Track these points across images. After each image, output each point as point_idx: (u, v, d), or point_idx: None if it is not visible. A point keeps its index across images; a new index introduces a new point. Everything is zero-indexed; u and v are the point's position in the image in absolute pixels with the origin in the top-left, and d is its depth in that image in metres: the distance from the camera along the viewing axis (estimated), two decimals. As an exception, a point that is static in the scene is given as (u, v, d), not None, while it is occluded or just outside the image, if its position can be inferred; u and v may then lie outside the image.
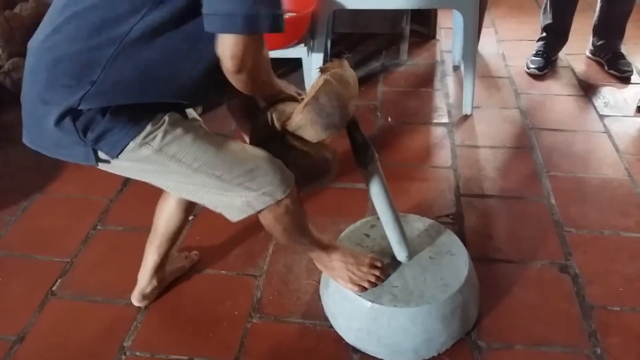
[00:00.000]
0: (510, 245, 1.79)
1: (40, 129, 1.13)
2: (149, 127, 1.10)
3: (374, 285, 1.45)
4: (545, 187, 2.05)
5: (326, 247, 1.47)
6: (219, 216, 1.92)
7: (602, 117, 2.48)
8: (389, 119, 2.52)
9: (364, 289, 1.44)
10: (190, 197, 1.28)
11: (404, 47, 3.09)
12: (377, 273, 1.46)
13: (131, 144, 1.10)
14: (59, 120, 1.07)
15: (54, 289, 1.71)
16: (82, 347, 1.53)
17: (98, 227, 1.95)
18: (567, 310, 1.56)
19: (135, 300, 1.63)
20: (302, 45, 2.47)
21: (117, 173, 1.27)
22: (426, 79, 2.87)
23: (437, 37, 3.29)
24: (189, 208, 1.54)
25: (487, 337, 1.50)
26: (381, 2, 2.34)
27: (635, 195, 1.99)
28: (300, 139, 1.26)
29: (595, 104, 2.57)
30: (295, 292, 1.66)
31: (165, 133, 1.11)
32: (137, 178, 1.26)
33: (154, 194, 1.58)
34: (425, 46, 3.20)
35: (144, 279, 1.61)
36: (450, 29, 3.15)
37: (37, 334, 1.57)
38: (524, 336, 1.50)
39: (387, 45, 3.16)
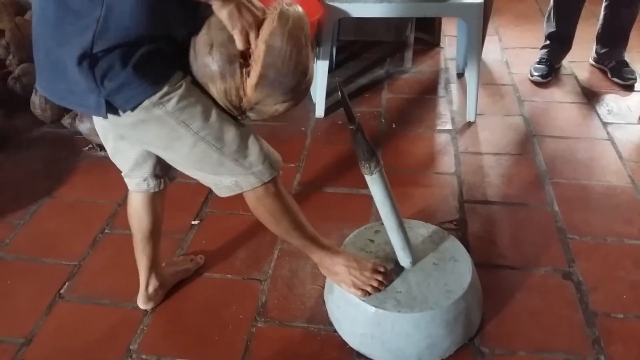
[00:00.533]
0: (514, 252, 1.81)
1: (55, 73, 1.11)
2: (165, 88, 1.10)
3: (377, 290, 1.46)
4: (548, 194, 2.06)
5: (327, 249, 1.48)
6: (225, 220, 1.97)
7: (605, 124, 2.49)
8: (393, 126, 2.54)
9: (367, 293, 1.46)
10: (183, 169, 1.31)
11: (409, 54, 3.12)
12: (380, 278, 1.47)
13: (146, 102, 1.10)
14: (79, 63, 1.05)
15: (61, 292, 1.73)
16: (88, 350, 1.55)
17: (106, 230, 1.97)
18: (571, 317, 1.57)
19: (141, 303, 1.65)
20: (308, 52, 2.49)
21: (117, 131, 1.28)
22: (430, 86, 2.89)
23: (442, 44, 3.31)
24: (156, 204, 1.53)
25: (490, 343, 1.51)
26: (386, 10, 2.36)
27: (638, 202, 2.00)
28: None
29: (599, 112, 2.58)
30: (300, 297, 1.67)
31: (181, 98, 1.12)
32: (135, 140, 1.27)
33: (166, 194, 1.60)
34: (429, 54, 3.23)
35: (143, 281, 1.63)
36: (454, 37, 3.17)
37: (44, 336, 1.59)
38: (526, 342, 1.51)
39: (391, 53, 3.18)
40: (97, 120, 1.35)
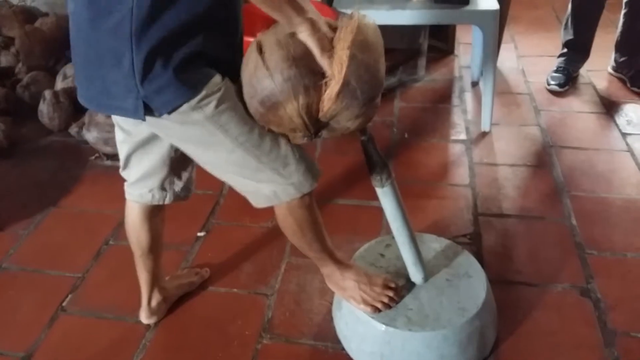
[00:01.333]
0: (530, 267, 1.74)
1: (92, 74, 1.11)
2: (204, 92, 1.08)
3: (387, 306, 1.41)
4: (566, 207, 1.99)
5: (339, 264, 1.44)
6: (231, 233, 1.93)
7: (624, 135, 2.41)
8: (406, 135, 2.49)
9: (377, 310, 1.40)
10: (220, 176, 1.28)
11: (422, 62, 3.06)
12: (391, 294, 1.42)
13: (185, 106, 1.08)
14: (118, 62, 1.04)
15: (64, 304, 1.69)
16: (90, 365, 1.51)
17: (110, 242, 1.94)
18: (589, 337, 1.50)
19: (143, 317, 1.61)
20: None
21: (156, 132, 1.25)
22: (444, 95, 2.83)
23: (456, 52, 3.25)
24: (154, 219, 1.49)
25: (505, 364, 1.45)
26: (399, 17, 2.31)
27: (660, 216, 1.93)
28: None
29: (618, 122, 2.51)
30: (307, 313, 1.62)
31: (220, 102, 1.10)
32: (174, 142, 1.25)
33: (168, 209, 1.57)
34: (443, 61, 3.17)
35: (145, 295, 1.60)
36: (469, 45, 3.12)
37: (45, 350, 1.55)
38: (543, 363, 1.44)
39: (404, 61, 3.13)
40: (118, 123, 1.32)
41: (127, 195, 1.46)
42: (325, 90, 1.08)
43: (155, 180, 1.40)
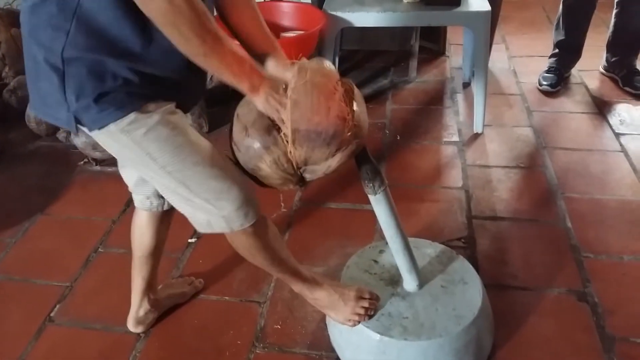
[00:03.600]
0: (525, 272, 1.72)
1: (31, 83, 1.11)
2: (132, 115, 1.05)
3: (364, 317, 1.39)
4: (560, 210, 1.97)
5: (307, 282, 1.41)
6: (222, 240, 1.87)
7: (618, 135, 2.41)
8: (398, 138, 2.47)
9: (357, 322, 1.39)
10: (161, 192, 1.26)
11: (413, 64, 3.05)
12: (366, 305, 1.40)
13: (112, 126, 1.06)
14: (49, 74, 1.03)
15: (52, 315, 1.66)
16: (78, 377, 1.47)
17: (99, 249, 1.90)
18: (587, 342, 1.49)
19: (130, 325, 1.58)
20: (310, 62, 2.42)
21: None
22: (436, 97, 2.81)
23: (447, 53, 3.24)
24: (159, 225, 1.48)
25: (502, 371, 1.43)
26: (390, 19, 2.29)
27: (655, 218, 1.92)
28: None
29: (611, 122, 2.50)
30: (300, 321, 1.59)
31: (150, 129, 1.07)
32: (115, 155, 1.23)
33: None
34: (434, 63, 3.15)
35: (135, 302, 1.57)
36: (460, 46, 3.10)
37: (33, 363, 1.52)
38: (540, 370, 1.43)
39: (396, 62, 3.11)
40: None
41: (134, 201, 1.46)
42: (286, 141, 1.11)
43: (150, 187, 1.39)
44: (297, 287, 1.42)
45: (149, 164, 1.12)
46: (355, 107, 1.14)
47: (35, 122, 2.51)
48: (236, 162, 1.20)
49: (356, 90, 1.19)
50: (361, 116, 1.16)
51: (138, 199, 1.44)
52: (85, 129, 1.08)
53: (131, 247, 1.51)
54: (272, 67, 1.21)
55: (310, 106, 1.07)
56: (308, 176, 1.18)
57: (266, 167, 1.15)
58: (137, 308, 1.56)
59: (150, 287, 1.56)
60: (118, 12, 0.99)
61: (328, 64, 1.14)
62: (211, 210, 1.18)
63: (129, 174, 1.41)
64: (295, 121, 1.08)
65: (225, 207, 1.17)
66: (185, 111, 1.19)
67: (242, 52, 1.11)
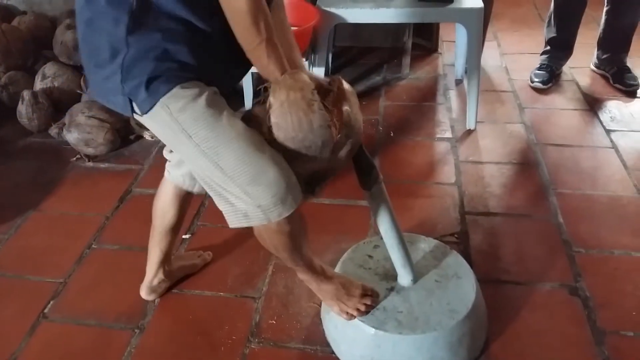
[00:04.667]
0: (518, 266, 1.74)
1: (91, 71, 1.16)
2: (175, 90, 1.08)
3: (363, 313, 1.40)
4: (552, 205, 1.99)
5: (317, 275, 1.41)
6: (217, 234, 1.90)
7: (608, 132, 2.43)
8: (391, 134, 2.47)
9: (353, 317, 1.40)
10: (199, 181, 1.24)
11: (406, 60, 3.06)
12: (368, 302, 1.41)
13: (157, 105, 1.09)
14: (111, 59, 1.08)
15: (45, 311, 1.65)
16: (73, 373, 1.47)
17: (93, 245, 1.90)
18: (578, 336, 1.50)
19: (144, 293, 1.64)
20: (304, 59, 2.42)
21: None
22: (429, 93, 2.82)
23: (440, 50, 3.25)
24: (184, 203, 1.53)
25: (495, 365, 1.44)
26: (383, 16, 2.29)
27: (645, 213, 1.94)
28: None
29: (602, 119, 2.52)
30: (295, 316, 1.60)
31: (187, 103, 1.09)
32: (163, 140, 1.25)
33: (151, 212, 1.53)
34: (427, 60, 3.16)
35: (150, 272, 1.62)
36: (452, 42, 3.11)
37: (27, 359, 1.51)
38: (533, 363, 1.44)
39: (389, 59, 3.12)
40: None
41: (166, 174, 1.49)
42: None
43: (186, 167, 1.41)
44: (305, 277, 1.41)
45: (186, 143, 1.12)
46: (345, 107, 1.14)
47: (27, 118, 2.49)
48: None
49: (347, 87, 1.19)
50: (353, 115, 1.16)
51: (174, 174, 1.46)
52: (137, 115, 1.12)
53: (152, 218, 1.55)
54: None
55: (291, 125, 1.08)
56: (317, 189, 1.21)
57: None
58: (152, 278, 1.62)
59: (166, 258, 1.62)
60: None
61: (300, 76, 1.12)
62: (246, 200, 1.13)
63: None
64: (282, 143, 1.10)
65: (261, 195, 1.11)
66: (222, 94, 1.19)
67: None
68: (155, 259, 1.60)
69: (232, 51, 1.12)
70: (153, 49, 1.07)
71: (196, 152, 1.12)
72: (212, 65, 1.14)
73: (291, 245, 1.26)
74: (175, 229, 1.57)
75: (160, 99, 1.08)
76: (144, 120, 1.15)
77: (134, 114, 1.13)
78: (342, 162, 1.17)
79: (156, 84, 1.08)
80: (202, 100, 1.10)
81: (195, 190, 1.47)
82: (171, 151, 1.46)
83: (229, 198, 1.16)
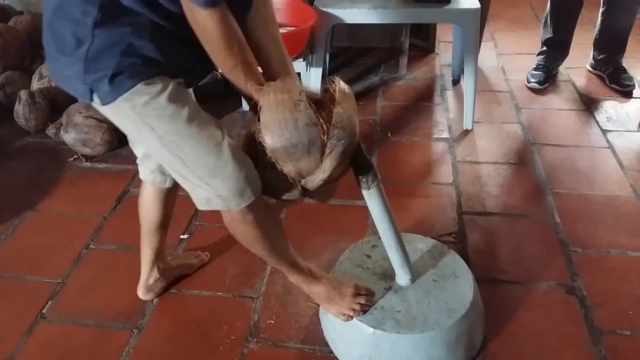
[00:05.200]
0: (515, 266, 1.74)
1: (53, 57, 1.16)
2: (138, 85, 1.09)
3: (359, 313, 1.40)
4: (549, 205, 2.00)
5: (305, 275, 1.42)
6: (215, 234, 1.90)
7: (605, 132, 2.44)
8: (389, 134, 2.48)
9: (350, 317, 1.40)
10: (165, 166, 1.28)
11: (403, 61, 3.06)
12: (362, 301, 1.41)
13: (119, 98, 1.10)
14: (75, 48, 1.08)
15: (44, 311, 1.65)
16: (71, 374, 1.47)
17: (91, 246, 1.89)
18: (575, 335, 1.51)
19: (141, 293, 1.65)
20: (301, 59, 2.43)
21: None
22: (426, 93, 2.83)
23: (437, 51, 3.26)
24: (166, 200, 1.52)
25: (493, 364, 1.44)
26: (381, 16, 2.30)
27: (641, 213, 1.95)
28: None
29: (598, 119, 2.53)
30: (294, 315, 1.60)
31: (151, 98, 1.10)
32: (122, 130, 1.25)
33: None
34: (424, 60, 3.17)
35: (144, 272, 1.63)
36: (449, 43, 3.12)
37: (24, 359, 1.51)
38: (531, 363, 1.45)
39: (386, 59, 3.13)
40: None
41: (139, 173, 1.50)
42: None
43: (154, 161, 1.42)
44: (294, 278, 1.43)
45: (148, 135, 1.14)
46: (337, 109, 1.15)
47: (24, 118, 2.49)
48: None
49: (345, 89, 1.20)
50: (346, 117, 1.16)
51: (144, 172, 1.47)
52: (96, 104, 1.13)
53: (139, 220, 1.56)
54: None
55: (277, 124, 1.10)
56: (310, 185, 1.19)
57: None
58: (147, 277, 1.63)
59: (159, 257, 1.62)
60: None
61: (290, 80, 1.16)
62: (207, 189, 1.18)
63: (136, 146, 1.45)
64: (269, 143, 1.12)
65: (220, 186, 1.16)
66: (188, 86, 1.21)
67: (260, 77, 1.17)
68: (147, 258, 1.61)
69: (200, 50, 1.12)
70: (118, 43, 1.07)
71: (159, 145, 1.15)
72: (178, 61, 1.15)
73: (259, 235, 1.27)
74: (162, 227, 1.57)
75: (123, 94, 1.09)
76: (102, 109, 1.15)
77: (92, 102, 1.14)
78: (334, 164, 1.16)
79: (120, 79, 1.08)
80: (165, 95, 1.11)
81: (167, 185, 1.48)
82: (132, 144, 1.47)
83: (192, 184, 1.20)
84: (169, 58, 1.12)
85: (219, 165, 1.15)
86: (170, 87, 1.12)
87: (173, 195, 1.54)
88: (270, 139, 1.11)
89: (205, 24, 1.06)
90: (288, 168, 1.15)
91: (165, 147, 1.15)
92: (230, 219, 1.23)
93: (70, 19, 1.08)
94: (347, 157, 1.21)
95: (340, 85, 1.22)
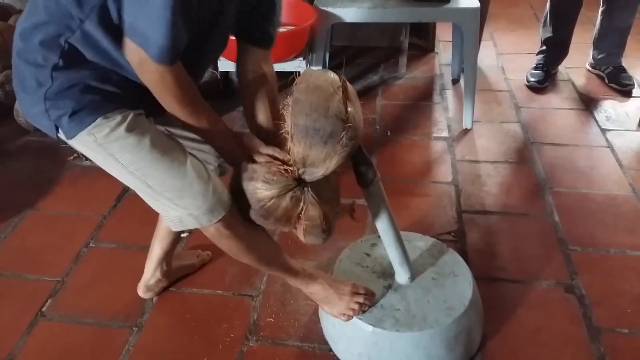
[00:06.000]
0: (514, 264, 1.75)
1: (19, 95, 1.19)
2: (99, 120, 1.12)
3: (358, 312, 1.40)
4: (548, 204, 2.00)
5: (301, 277, 1.42)
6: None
7: (604, 131, 2.44)
8: (389, 133, 2.48)
9: (350, 317, 1.40)
10: (137, 192, 1.29)
11: (403, 60, 3.07)
12: (361, 300, 1.41)
13: (83, 132, 1.13)
14: (36, 89, 1.12)
15: (43, 310, 1.65)
16: (71, 372, 1.47)
17: (90, 244, 1.90)
18: (574, 334, 1.51)
19: (141, 291, 1.65)
20: (301, 58, 2.44)
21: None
22: (425, 93, 2.83)
23: (436, 50, 3.26)
24: None
25: (492, 362, 1.45)
26: (380, 15, 2.30)
27: (640, 212, 1.96)
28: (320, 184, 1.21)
29: (597, 118, 2.54)
30: (293, 314, 1.61)
31: (112, 130, 1.13)
32: (93, 161, 1.27)
33: (149, 211, 1.53)
34: (424, 59, 3.17)
35: (148, 270, 1.63)
36: (449, 42, 3.12)
37: (24, 358, 1.51)
38: (530, 361, 1.45)
39: (385, 59, 3.13)
40: None
41: None
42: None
43: None
44: (291, 282, 1.44)
45: (114, 165, 1.18)
46: (349, 108, 1.15)
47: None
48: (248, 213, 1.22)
49: (350, 89, 1.21)
50: (356, 117, 1.17)
51: None
52: (63, 138, 1.17)
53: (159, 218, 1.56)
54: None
55: (309, 103, 1.11)
56: (307, 177, 1.18)
57: (262, 190, 1.16)
58: (150, 276, 1.63)
59: (166, 258, 1.62)
60: (112, 40, 1.08)
61: (331, 74, 1.18)
62: (178, 210, 1.20)
63: None
64: (295, 115, 1.12)
65: (189, 205, 1.18)
66: (152, 116, 1.23)
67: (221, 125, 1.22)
68: (155, 255, 1.61)
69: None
70: (77, 84, 1.11)
71: (125, 173, 1.18)
72: (137, 98, 1.17)
73: (242, 247, 1.28)
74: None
75: (85, 129, 1.12)
76: (71, 143, 1.18)
77: (59, 136, 1.17)
78: (338, 162, 1.17)
79: (80, 115, 1.12)
80: (124, 126, 1.14)
81: None
82: None
83: (163, 205, 1.22)
84: (128, 95, 1.16)
85: (185, 185, 1.17)
86: (129, 118, 1.14)
87: None
88: (298, 114, 1.12)
89: (161, 77, 1.08)
90: (297, 149, 1.15)
91: (131, 175, 1.18)
92: (210, 235, 1.25)
93: (30, 63, 1.12)
94: (349, 157, 1.22)
95: (348, 84, 1.22)
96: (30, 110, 1.17)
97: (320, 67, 2.46)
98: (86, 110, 1.12)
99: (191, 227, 1.22)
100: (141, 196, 1.26)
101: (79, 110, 1.11)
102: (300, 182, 1.19)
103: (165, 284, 1.67)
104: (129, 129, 1.14)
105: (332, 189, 1.28)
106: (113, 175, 1.23)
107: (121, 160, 1.16)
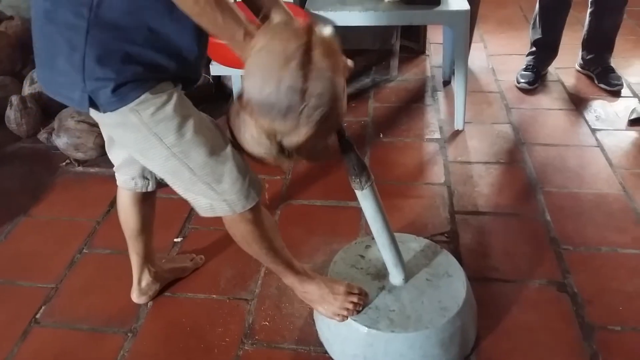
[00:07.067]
0: (507, 264, 1.76)
1: (45, 61, 1.13)
2: (144, 96, 1.08)
3: (353, 312, 1.41)
4: (540, 204, 2.02)
5: (299, 275, 1.43)
6: (209, 237, 1.90)
7: (594, 131, 2.47)
8: (381, 135, 2.50)
9: (345, 317, 1.41)
10: (162, 177, 1.28)
11: (394, 62, 3.08)
12: (355, 300, 1.42)
13: (124, 108, 1.08)
14: (70, 54, 1.05)
15: (37, 316, 1.64)
16: (67, 378, 1.47)
17: (84, 250, 1.89)
18: (567, 332, 1.53)
19: (135, 297, 1.65)
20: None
21: (101, 126, 1.30)
22: (417, 95, 2.85)
23: (427, 52, 3.28)
24: (144, 204, 1.52)
25: (486, 361, 1.46)
26: (371, 18, 2.31)
27: (631, 210, 1.97)
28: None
29: (587, 118, 2.56)
30: (288, 317, 1.61)
31: (158, 109, 1.10)
32: (117, 140, 1.25)
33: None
34: (415, 62, 3.19)
35: (136, 276, 1.63)
36: (440, 44, 3.14)
37: (19, 365, 1.51)
38: None
39: (377, 61, 3.14)
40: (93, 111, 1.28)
41: (116, 180, 1.49)
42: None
43: (136, 168, 1.42)
44: (288, 279, 1.44)
45: (156, 146, 1.14)
46: (312, 72, 0.99)
47: (15, 123, 2.48)
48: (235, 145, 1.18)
49: (324, 40, 1.04)
50: (325, 78, 1.01)
51: (122, 179, 1.46)
52: (95, 110, 1.11)
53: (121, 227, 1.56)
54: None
55: (261, 77, 1.00)
56: (287, 144, 1.06)
57: (249, 142, 1.10)
58: (138, 281, 1.63)
59: (147, 260, 1.62)
60: None
61: (293, 26, 1.02)
62: (212, 195, 1.20)
63: (116, 154, 1.43)
64: (248, 91, 1.03)
65: (227, 190, 1.19)
66: (186, 90, 1.22)
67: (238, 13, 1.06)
68: (135, 263, 1.61)
69: (194, 42, 1.11)
70: (116, 50, 1.04)
71: (167, 154, 1.16)
72: (176, 60, 1.12)
73: (258, 234, 1.29)
74: (144, 232, 1.56)
75: (129, 104, 1.08)
76: (102, 116, 1.12)
77: (89, 110, 1.11)
78: (309, 133, 1.03)
79: (124, 90, 1.07)
80: (171, 106, 1.11)
81: (150, 188, 1.47)
82: (109, 153, 1.45)
83: (196, 192, 1.22)
84: (166, 63, 1.10)
85: (226, 171, 1.18)
86: (174, 98, 1.12)
87: (151, 199, 1.53)
88: (250, 88, 1.02)
89: None
90: (261, 123, 1.04)
91: (174, 157, 1.16)
92: (231, 219, 1.26)
93: (62, 24, 1.05)
94: (327, 127, 1.07)
95: (323, 33, 1.04)
96: (56, 79, 1.11)
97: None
98: (131, 85, 1.06)
99: (221, 214, 1.23)
100: (172, 182, 1.23)
101: (122, 83, 1.06)
102: (281, 149, 1.08)
103: (157, 287, 1.67)
104: (175, 110, 1.12)
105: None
106: (147, 156, 1.19)
107: (166, 141, 1.13)
